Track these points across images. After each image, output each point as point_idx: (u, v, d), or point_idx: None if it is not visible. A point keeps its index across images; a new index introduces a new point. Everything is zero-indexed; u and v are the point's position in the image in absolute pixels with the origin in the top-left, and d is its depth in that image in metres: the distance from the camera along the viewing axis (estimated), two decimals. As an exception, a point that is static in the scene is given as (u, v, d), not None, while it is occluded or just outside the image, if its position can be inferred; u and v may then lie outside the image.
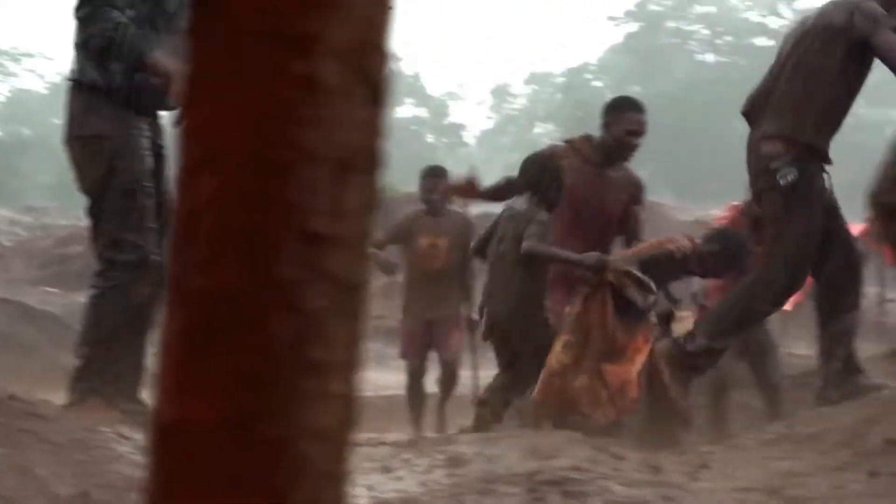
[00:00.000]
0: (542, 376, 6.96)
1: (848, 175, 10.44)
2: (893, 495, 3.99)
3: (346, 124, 0.91)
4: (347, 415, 0.94)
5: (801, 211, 6.70)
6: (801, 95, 6.86)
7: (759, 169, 6.95)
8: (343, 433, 0.94)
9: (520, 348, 7.47)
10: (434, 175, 10.63)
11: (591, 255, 7.39)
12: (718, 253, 7.68)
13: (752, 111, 7.38)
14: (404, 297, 10.96)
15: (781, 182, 6.66)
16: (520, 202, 7.67)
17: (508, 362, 7.59)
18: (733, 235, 7.99)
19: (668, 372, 7.26)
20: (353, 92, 0.91)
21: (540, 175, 7.65)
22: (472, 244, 8.64)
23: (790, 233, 6.71)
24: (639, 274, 7.27)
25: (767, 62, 7.52)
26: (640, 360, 7.05)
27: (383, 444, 5.68)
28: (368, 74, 0.93)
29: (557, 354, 7.01)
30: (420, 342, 10.65)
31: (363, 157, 0.93)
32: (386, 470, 4.42)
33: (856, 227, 8.77)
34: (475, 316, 9.72)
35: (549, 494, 3.49)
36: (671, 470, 4.48)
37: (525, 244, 7.30)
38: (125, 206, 5.51)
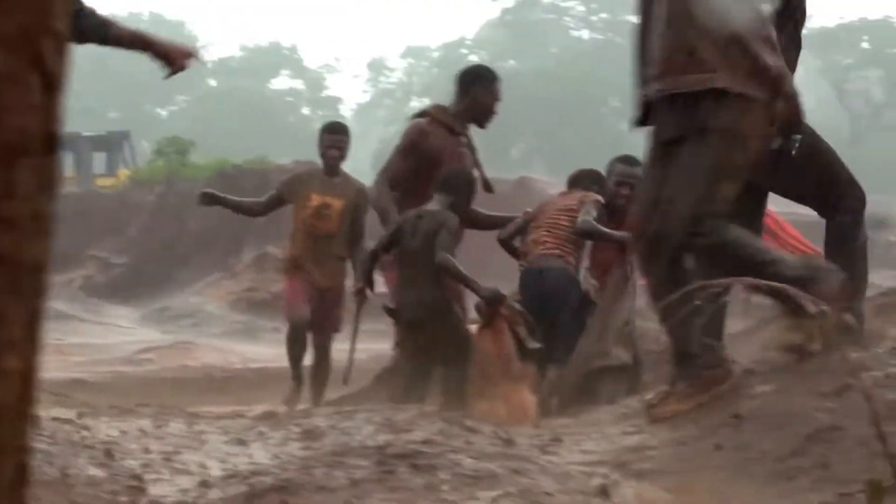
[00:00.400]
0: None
1: None
2: (736, 468, 4.09)
3: (17, 110, 0.91)
4: (26, 390, 0.94)
5: (822, 152, 6.92)
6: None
7: None
8: (21, 408, 0.94)
9: (429, 339, 7.68)
10: (336, 132, 10.21)
11: (490, 289, 7.53)
12: (600, 191, 8.51)
13: None
14: (288, 259, 10.41)
15: (794, 153, 6.84)
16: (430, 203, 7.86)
17: (416, 350, 7.79)
18: (592, 170, 8.96)
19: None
20: (23, 78, 0.92)
21: (456, 179, 7.94)
22: (379, 240, 8.27)
23: (832, 171, 6.93)
24: (529, 317, 7.59)
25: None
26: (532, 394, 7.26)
27: (241, 416, 5.66)
28: (41, 62, 0.93)
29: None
30: (307, 299, 9.88)
31: (37, 142, 0.93)
32: (240, 443, 4.42)
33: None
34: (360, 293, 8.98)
35: (399, 467, 3.52)
36: (523, 443, 4.53)
37: (439, 256, 7.45)
38: None
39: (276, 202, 10.31)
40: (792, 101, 6.78)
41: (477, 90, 8.51)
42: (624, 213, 8.76)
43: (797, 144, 6.82)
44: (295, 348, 9.99)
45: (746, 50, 5.08)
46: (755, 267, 5.03)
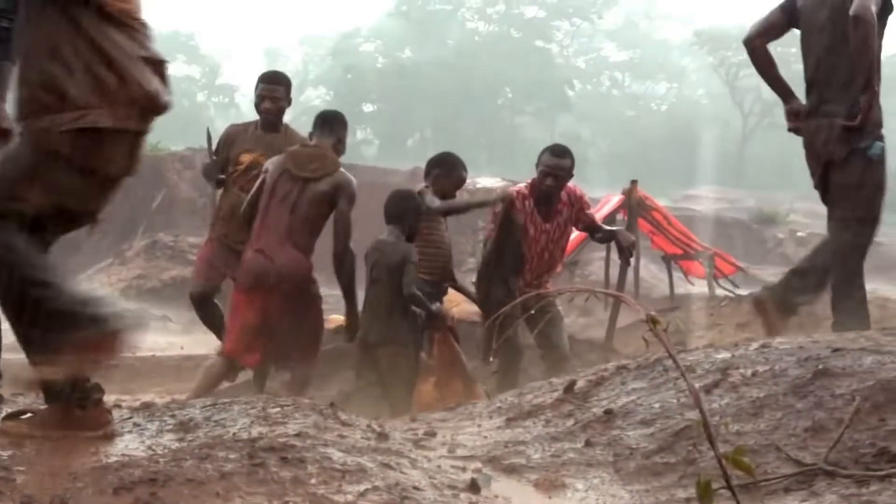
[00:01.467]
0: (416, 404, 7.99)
1: (619, 147, 11.05)
2: (606, 463, 4.15)
3: None
4: None
5: (881, 174, 7.35)
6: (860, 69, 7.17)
7: (835, 138, 7.32)
8: None
9: (384, 370, 8.21)
10: (270, 80, 9.09)
11: (444, 310, 8.52)
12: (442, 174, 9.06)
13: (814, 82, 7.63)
14: (212, 222, 9.23)
15: (875, 158, 7.13)
16: (384, 234, 8.31)
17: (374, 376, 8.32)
18: (433, 158, 9.36)
19: None
20: None
21: (403, 210, 8.30)
22: None
23: (878, 193, 7.36)
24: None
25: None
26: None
27: (118, 406, 5.63)
28: None
29: (430, 392, 8.32)
30: (216, 269, 8.94)
31: None
32: (115, 434, 4.40)
33: (613, 200, 9.27)
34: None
35: (269, 460, 3.54)
36: (397, 437, 4.56)
37: (407, 291, 8.03)
38: None
39: (220, 162, 9.17)
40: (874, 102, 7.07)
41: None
42: (550, 201, 9.08)
43: (878, 151, 7.15)
44: (211, 319, 9.07)
45: (124, 79, 4.43)
46: (24, 282, 4.36)
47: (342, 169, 8.36)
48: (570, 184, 9.30)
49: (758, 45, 7.70)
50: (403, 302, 8.06)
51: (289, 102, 9.16)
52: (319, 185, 8.18)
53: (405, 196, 8.39)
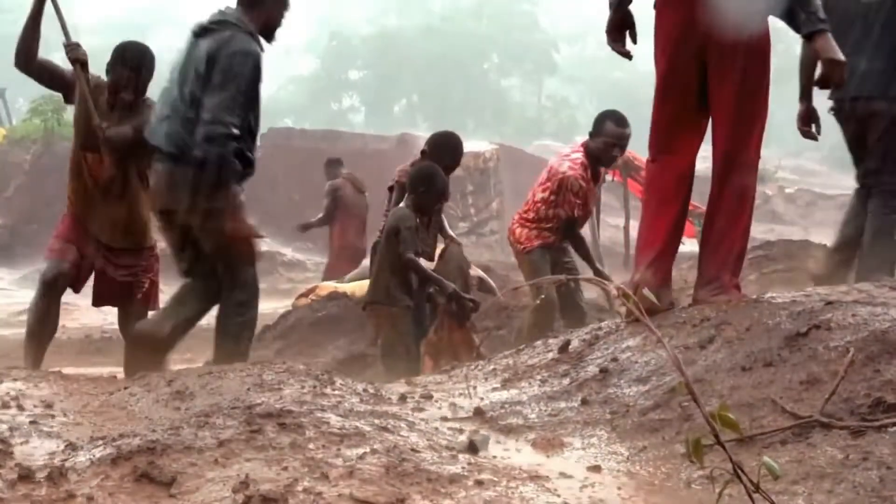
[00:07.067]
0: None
1: (607, 108, 11.00)
2: (603, 421, 4.16)
3: None
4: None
5: None
6: None
7: None
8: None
9: (373, 327, 8.64)
10: (126, 64, 7.72)
11: (451, 286, 8.17)
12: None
13: None
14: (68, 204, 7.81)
15: None
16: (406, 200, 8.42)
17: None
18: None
19: None
20: None
21: (414, 182, 8.35)
22: None
23: None
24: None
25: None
26: None
27: (114, 378, 5.64)
28: None
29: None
30: (76, 247, 7.55)
31: None
32: (112, 404, 4.41)
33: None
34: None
35: (266, 427, 3.53)
36: (394, 400, 4.57)
37: (405, 256, 8.05)
38: None
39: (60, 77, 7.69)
40: None
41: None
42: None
43: None
44: (41, 315, 7.47)
45: None
46: None
47: None
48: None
49: None
50: (398, 263, 8.14)
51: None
52: None
53: (416, 171, 8.48)
